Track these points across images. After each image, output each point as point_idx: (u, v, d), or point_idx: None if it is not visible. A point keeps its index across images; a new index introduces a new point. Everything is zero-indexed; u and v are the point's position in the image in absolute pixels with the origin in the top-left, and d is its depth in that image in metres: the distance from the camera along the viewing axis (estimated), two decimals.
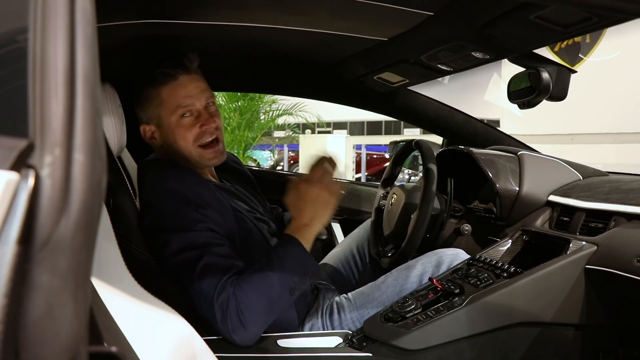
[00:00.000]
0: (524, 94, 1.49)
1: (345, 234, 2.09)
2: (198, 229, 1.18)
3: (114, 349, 0.49)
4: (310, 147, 10.16)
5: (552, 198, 1.50)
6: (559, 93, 1.42)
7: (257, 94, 7.69)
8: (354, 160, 10.32)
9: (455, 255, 1.46)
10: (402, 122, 11.97)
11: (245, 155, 8.39)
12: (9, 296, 0.39)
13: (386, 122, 16.93)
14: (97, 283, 0.67)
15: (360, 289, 1.44)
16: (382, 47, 1.53)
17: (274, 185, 2.16)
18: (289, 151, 10.70)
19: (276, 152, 12.21)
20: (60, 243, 0.40)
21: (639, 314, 1.26)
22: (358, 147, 10.50)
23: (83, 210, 0.41)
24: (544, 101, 1.45)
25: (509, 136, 1.99)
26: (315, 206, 1.24)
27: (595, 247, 1.23)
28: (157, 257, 1.21)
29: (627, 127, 6.25)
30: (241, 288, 1.12)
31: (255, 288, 1.12)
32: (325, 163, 1.30)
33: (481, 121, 2.04)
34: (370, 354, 1.19)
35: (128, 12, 1.25)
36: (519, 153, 1.62)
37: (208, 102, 1.35)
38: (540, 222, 1.47)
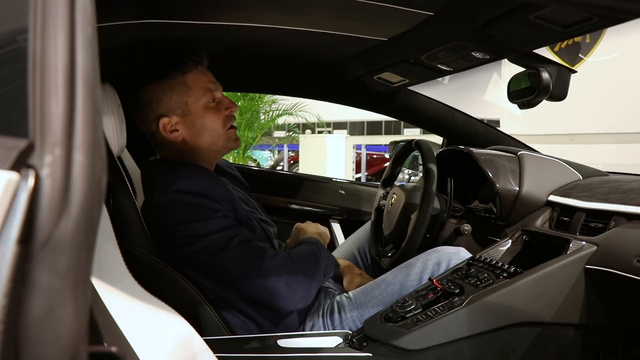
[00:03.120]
0: (524, 94, 1.49)
1: (346, 234, 2.09)
2: (218, 217, 1.22)
3: (114, 349, 0.49)
4: (310, 147, 10.16)
5: (552, 198, 1.49)
6: (559, 93, 1.42)
7: (257, 94, 7.69)
8: (354, 160, 10.32)
9: (456, 253, 1.46)
10: (402, 122, 11.97)
11: (245, 155, 8.39)
12: (9, 296, 0.39)
13: (386, 122, 16.92)
14: (97, 283, 0.67)
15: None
16: (382, 47, 1.53)
17: (274, 186, 2.17)
18: (289, 151, 10.70)
19: (276, 152, 12.21)
20: (60, 243, 0.40)
21: (639, 314, 1.26)
22: (358, 147, 10.50)
23: (83, 210, 0.41)
24: (544, 101, 1.45)
25: (509, 136, 1.99)
26: (314, 228, 1.51)
27: (595, 247, 1.23)
28: (177, 251, 1.22)
29: (627, 127, 6.25)
30: (292, 258, 1.27)
31: (304, 260, 1.29)
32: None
33: (481, 121, 2.04)
34: (370, 354, 1.19)
35: (128, 12, 1.25)
36: (519, 153, 1.62)
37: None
38: (540, 222, 1.47)
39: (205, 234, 1.20)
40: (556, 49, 6.77)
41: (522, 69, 1.50)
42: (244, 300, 1.27)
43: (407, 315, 1.23)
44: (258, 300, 1.25)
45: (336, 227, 2.16)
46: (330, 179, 2.40)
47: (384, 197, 1.88)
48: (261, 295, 1.22)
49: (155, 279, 1.17)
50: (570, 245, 1.27)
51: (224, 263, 1.18)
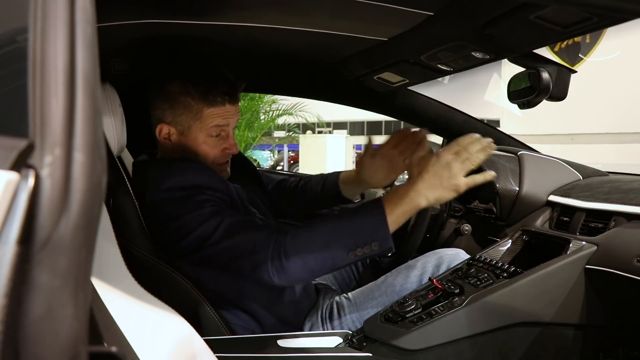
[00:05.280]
0: (524, 94, 1.49)
1: None
2: (207, 207, 1.18)
3: (114, 349, 0.49)
4: (310, 147, 10.17)
5: (552, 198, 1.50)
6: (559, 93, 1.42)
7: (257, 94, 7.69)
8: (354, 160, 10.32)
9: (456, 255, 1.46)
10: (402, 122, 11.98)
11: (245, 155, 8.38)
12: (9, 296, 0.39)
13: (386, 122, 16.92)
14: (97, 283, 0.67)
15: (360, 288, 1.44)
16: (382, 47, 1.53)
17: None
18: (289, 151, 10.71)
19: (276, 152, 12.22)
20: (60, 243, 0.40)
21: (639, 314, 1.26)
22: (358, 147, 10.51)
23: (83, 210, 0.41)
24: (544, 101, 1.45)
25: (509, 136, 1.99)
26: (437, 176, 1.11)
27: (595, 247, 1.23)
28: (173, 246, 1.20)
29: (626, 127, 6.26)
30: (297, 233, 1.12)
31: (308, 237, 1.12)
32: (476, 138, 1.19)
33: (481, 121, 2.04)
34: (370, 354, 1.19)
35: (128, 12, 1.25)
36: (519, 153, 1.62)
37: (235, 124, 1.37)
38: (540, 222, 1.47)
39: (195, 226, 1.17)
40: (556, 49, 6.78)
41: (522, 69, 1.50)
42: (245, 298, 1.27)
43: (407, 315, 1.23)
44: (248, 277, 1.17)
45: None
46: None
47: None
48: (249, 269, 1.13)
49: (156, 279, 1.16)
50: (570, 245, 1.27)
51: (214, 250, 1.15)
